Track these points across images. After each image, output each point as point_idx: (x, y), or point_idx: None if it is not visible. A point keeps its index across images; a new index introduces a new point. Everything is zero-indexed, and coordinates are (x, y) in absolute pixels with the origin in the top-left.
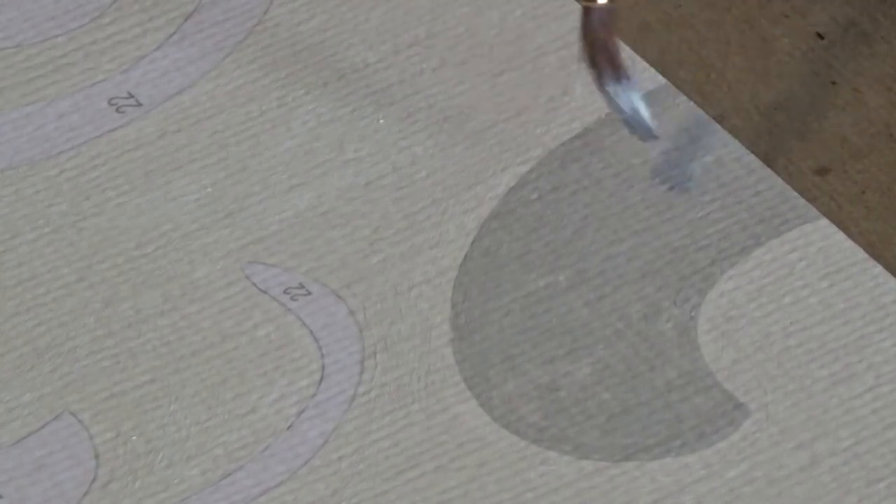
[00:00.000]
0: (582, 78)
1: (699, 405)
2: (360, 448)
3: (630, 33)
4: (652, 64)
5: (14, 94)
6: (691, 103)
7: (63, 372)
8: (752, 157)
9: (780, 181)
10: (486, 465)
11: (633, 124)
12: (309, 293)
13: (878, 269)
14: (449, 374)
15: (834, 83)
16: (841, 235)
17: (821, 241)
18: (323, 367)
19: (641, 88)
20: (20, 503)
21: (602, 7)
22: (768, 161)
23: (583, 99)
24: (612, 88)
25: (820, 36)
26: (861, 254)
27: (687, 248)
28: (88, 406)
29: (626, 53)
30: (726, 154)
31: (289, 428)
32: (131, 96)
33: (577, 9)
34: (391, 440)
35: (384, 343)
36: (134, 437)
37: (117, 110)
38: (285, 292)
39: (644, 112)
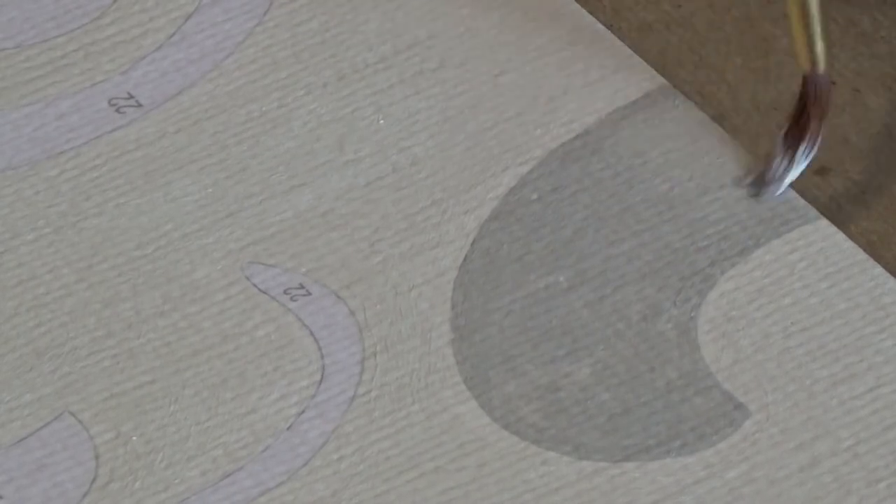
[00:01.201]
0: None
1: (699, 405)
2: (360, 448)
3: (630, 33)
4: (652, 64)
5: (14, 94)
6: (691, 103)
7: (63, 372)
8: (753, 157)
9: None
10: (486, 465)
11: (766, 185)
12: (309, 293)
13: (878, 269)
14: (449, 375)
15: (834, 83)
16: (841, 235)
17: (821, 241)
18: (323, 368)
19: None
20: (20, 503)
21: (822, 75)
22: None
23: (583, 99)
24: (788, 156)
25: None
26: (861, 254)
27: (687, 248)
28: (88, 406)
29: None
30: (726, 154)
31: (289, 428)
32: (131, 97)
33: (576, 10)
34: (391, 440)
35: (384, 343)
36: (134, 437)
37: (117, 111)
38: (285, 293)
39: (785, 182)
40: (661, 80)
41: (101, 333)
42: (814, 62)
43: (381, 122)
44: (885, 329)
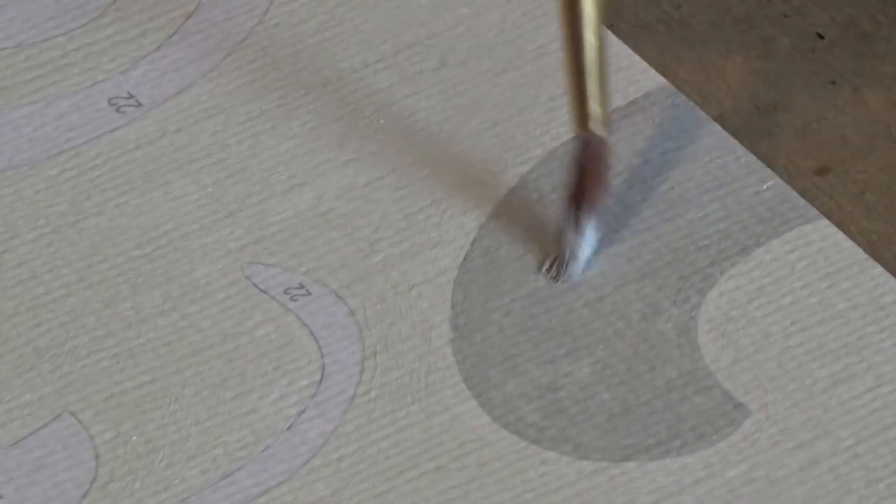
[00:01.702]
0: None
1: (699, 405)
2: (360, 448)
3: (630, 33)
4: (652, 64)
5: (14, 94)
6: (691, 103)
7: (63, 372)
8: (752, 157)
9: (780, 181)
10: (486, 465)
11: (566, 258)
12: (309, 293)
13: (878, 269)
14: (449, 374)
15: (834, 83)
16: (841, 235)
17: (821, 241)
18: (323, 367)
19: (599, 217)
20: (20, 503)
21: (598, 138)
22: (768, 161)
23: None
24: (577, 221)
25: (820, 36)
26: (861, 254)
27: (687, 248)
28: (88, 406)
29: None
30: (726, 154)
31: (289, 428)
32: (131, 96)
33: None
34: (391, 440)
35: (384, 343)
36: (134, 437)
37: (117, 110)
38: (285, 292)
39: (582, 257)
40: (661, 80)
41: (101, 333)
42: (584, 123)
43: (381, 121)
44: (885, 329)
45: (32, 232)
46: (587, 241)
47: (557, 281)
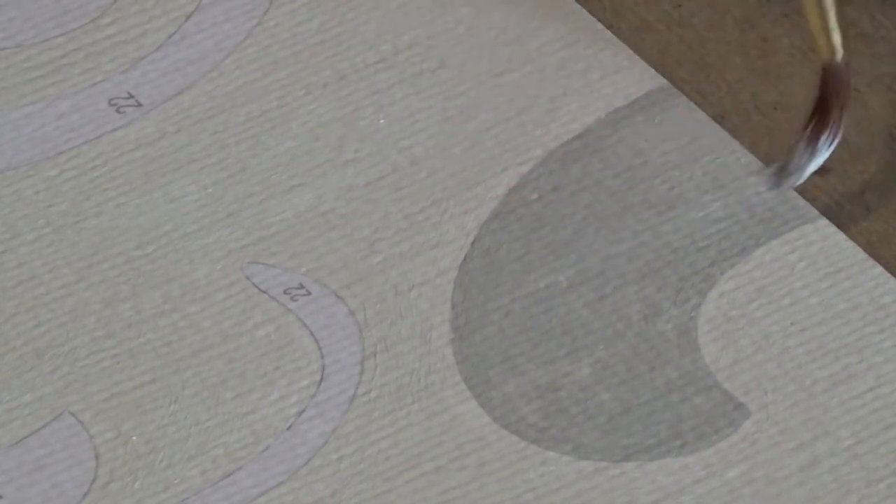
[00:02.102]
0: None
1: (699, 405)
2: (360, 448)
3: (630, 33)
4: (652, 64)
5: (14, 94)
6: (691, 103)
7: (63, 372)
8: (752, 157)
9: None
10: (486, 465)
11: (787, 176)
12: (309, 293)
13: (878, 269)
14: (449, 374)
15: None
16: (841, 235)
17: (821, 241)
18: (323, 368)
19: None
20: (20, 503)
21: (842, 65)
22: (768, 161)
23: (583, 99)
24: (817, 141)
25: None
26: (861, 254)
27: (687, 248)
28: (88, 406)
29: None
30: (727, 154)
31: (289, 428)
32: (131, 96)
33: (576, 10)
34: (391, 440)
35: (384, 343)
36: (134, 437)
37: (117, 110)
38: (285, 292)
39: (806, 173)
40: (661, 80)
41: (101, 333)
42: (832, 52)
43: (381, 122)
44: (885, 329)
45: (32, 232)
46: (818, 159)
47: (775, 187)
